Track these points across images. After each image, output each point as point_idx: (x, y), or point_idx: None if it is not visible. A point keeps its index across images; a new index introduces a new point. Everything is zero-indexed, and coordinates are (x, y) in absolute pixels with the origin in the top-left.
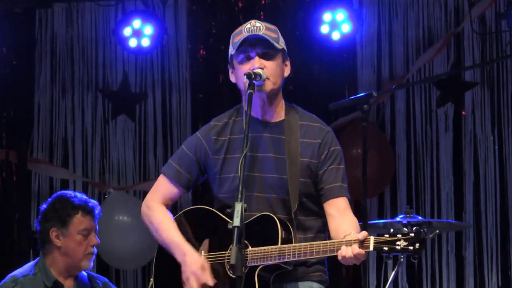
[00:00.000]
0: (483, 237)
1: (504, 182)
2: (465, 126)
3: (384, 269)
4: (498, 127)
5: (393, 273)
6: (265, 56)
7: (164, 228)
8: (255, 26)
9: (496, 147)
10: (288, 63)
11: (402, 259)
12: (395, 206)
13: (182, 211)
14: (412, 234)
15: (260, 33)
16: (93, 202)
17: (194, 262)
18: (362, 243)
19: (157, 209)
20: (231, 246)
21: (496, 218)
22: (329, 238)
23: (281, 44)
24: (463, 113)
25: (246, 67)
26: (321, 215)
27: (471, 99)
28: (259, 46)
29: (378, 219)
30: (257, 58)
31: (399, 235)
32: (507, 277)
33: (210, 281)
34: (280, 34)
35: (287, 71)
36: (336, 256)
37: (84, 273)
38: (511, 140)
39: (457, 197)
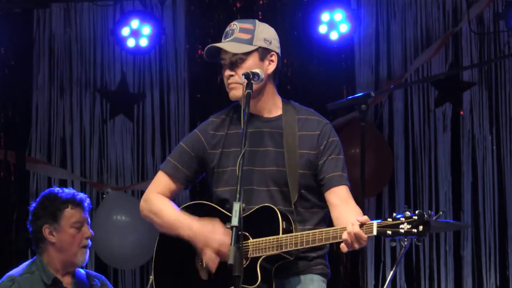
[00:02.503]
0: (481, 237)
1: (502, 182)
2: (463, 126)
3: (382, 268)
4: (496, 127)
5: (391, 272)
6: (236, 62)
7: (165, 211)
8: (230, 29)
9: (494, 147)
10: (273, 58)
11: (399, 258)
12: (393, 206)
13: (182, 206)
14: (416, 217)
15: (231, 37)
16: (81, 194)
17: (202, 228)
18: (363, 226)
19: (156, 198)
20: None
21: (494, 217)
22: None
23: (256, 42)
24: (461, 113)
25: (225, 73)
26: (322, 207)
27: (469, 99)
28: (229, 52)
29: (376, 219)
30: (226, 67)
31: (402, 219)
32: (505, 277)
33: (227, 236)
34: (259, 30)
35: (271, 67)
36: (335, 254)
37: (82, 271)
38: (509, 140)
39: (455, 197)
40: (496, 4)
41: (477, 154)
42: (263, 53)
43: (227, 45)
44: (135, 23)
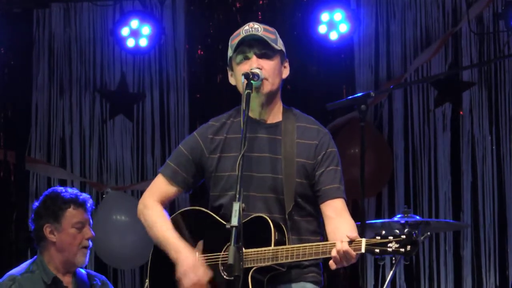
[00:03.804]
0: (481, 237)
1: (502, 181)
2: (463, 126)
3: (382, 269)
4: (495, 127)
5: (391, 272)
6: (263, 56)
7: (159, 226)
8: (253, 28)
9: (493, 147)
10: (287, 64)
11: (399, 259)
12: (393, 206)
13: (177, 212)
14: (404, 236)
15: (258, 34)
16: (84, 195)
17: (186, 259)
18: (352, 243)
19: (153, 208)
20: (225, 246)
21: (494, 217)
22: (325, 240)
23: (279, 45)
24: (461, 113)
25: (244, 68)
26: (317, 217)
27: (469, 99)
28: (257, 47)
29: (376, 219)
30: (254, 58)
31: (391, 237)
32: (505, 276)
33: (204, 277)
34: (278, 36)
35: (285, 73)
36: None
37: (82, 271)
38: (509, 139)
39: (455, 196)
40: (496, 4)
41: (477, 154)
42: (282, 56)
43: (265, 37)
44: (134, 23)
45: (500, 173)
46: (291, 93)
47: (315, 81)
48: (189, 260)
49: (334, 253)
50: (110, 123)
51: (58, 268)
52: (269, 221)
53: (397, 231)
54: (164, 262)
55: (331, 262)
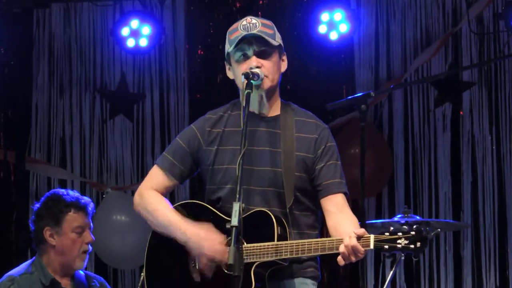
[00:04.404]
0: (481, 237)
1: (502, 181)
2: (463, 126)
3: (382, 268)
4: (495, 127)
5: (391, 272)
6: (262, 54)
7: (161, 211)
8: (251, 23)
9: (494, 147)
10: (285, 58)
11: (401, 257)
12: (393, 206)
13: (175, 205)
14: (413, 233)
15: (256, 30)
16: (86, 199)
17: (197, 234)
18: (360, 239)
19: (150, 195)
20: (225, 241)
21: (494, 217)
22: (324, 234)
23: (277, 40)
24: (461, 113)
25: (244, 66)
26: (315, 211)
27: (469, 99)
28: (255, 44)
29: (376, 219)
30: (254, 57)
31: (400, 234)
32: (505, 276)
33: (220, 239)
34: (276, 29)
35: (284, 67)
36: (333, 256)
37: (81, 272)
38: (509, 139)
39: (455, 196)
40: (496, 4)
41: (477, 154)
42: (280, 50)
43: (264, 34)
44: (134, 23)
45: (500, 173)
46: (291, 93)
47: (315, 81)
48: (200, 233)
49: (342, 248)
50: (110, 123)
51: (56, 270)
52: (271, 215)
53: (406, 227)
54: (161, 255)
55: (339, 258)
